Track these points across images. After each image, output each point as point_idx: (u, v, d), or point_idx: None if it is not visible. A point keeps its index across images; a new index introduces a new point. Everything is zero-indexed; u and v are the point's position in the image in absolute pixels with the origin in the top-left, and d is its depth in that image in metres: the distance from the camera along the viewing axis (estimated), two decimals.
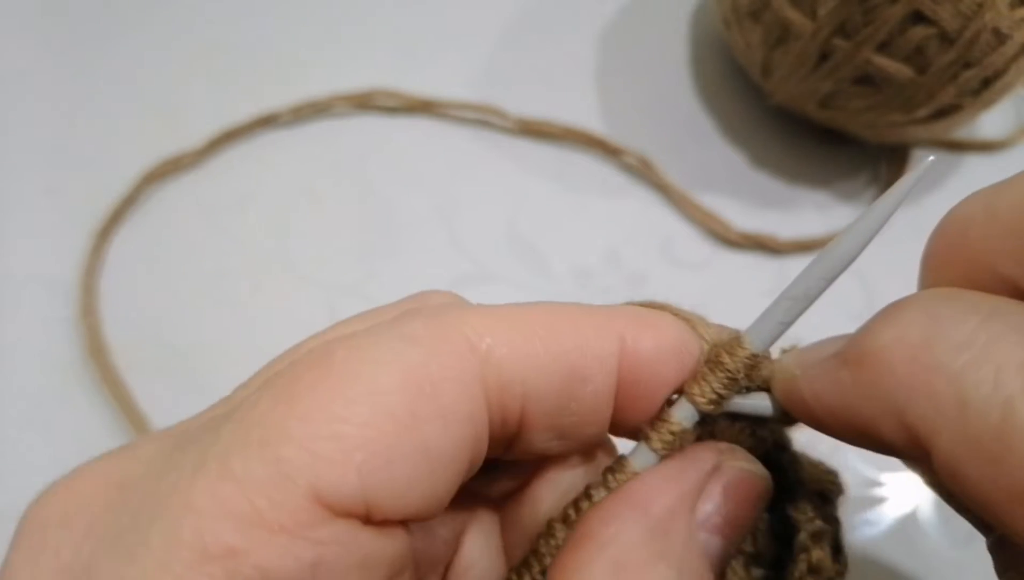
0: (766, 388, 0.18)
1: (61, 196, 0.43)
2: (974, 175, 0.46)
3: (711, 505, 0.17)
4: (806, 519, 0.18)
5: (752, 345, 0.18)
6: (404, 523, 0.15)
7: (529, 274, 0.42)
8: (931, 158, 0.17)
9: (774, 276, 0.43)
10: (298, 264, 0.42)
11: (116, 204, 0.42)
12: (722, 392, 0.17)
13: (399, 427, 0.14)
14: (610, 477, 0.17)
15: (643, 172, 0.45)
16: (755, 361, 0.17)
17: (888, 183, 0.45)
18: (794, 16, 0.38)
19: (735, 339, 0.18)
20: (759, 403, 0.18)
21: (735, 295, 0.43)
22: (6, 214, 0.42)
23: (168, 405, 0.39)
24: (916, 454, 0.14)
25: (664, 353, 0.17)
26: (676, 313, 0.18)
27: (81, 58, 0.46)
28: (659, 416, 0.17)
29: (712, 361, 0.17)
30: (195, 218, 0.43)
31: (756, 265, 0.43)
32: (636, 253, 0.43)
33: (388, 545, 0.15)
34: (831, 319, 0.44)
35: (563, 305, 0.17)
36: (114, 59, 0.46)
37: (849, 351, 0.15)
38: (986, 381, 0.13)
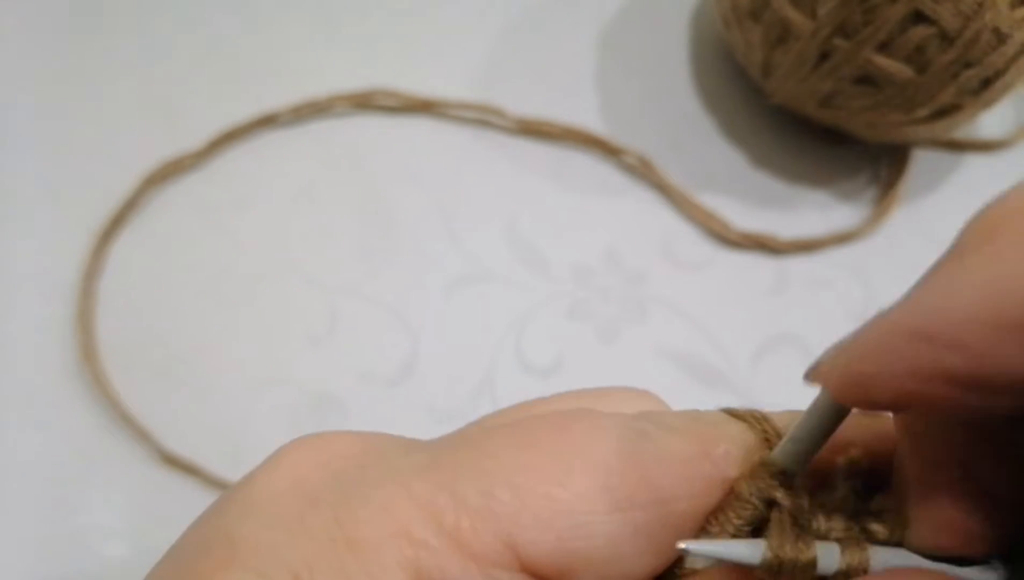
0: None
1: (60, 196, 0.43)
2: (974, 175, 0.46)
3: None
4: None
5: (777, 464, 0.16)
6: None
7: (529, 274, 0.42)
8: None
9: (774, 276, 0.43)
10: (298, 264, 0.42)
11: (117, 206, 0.42)
12: (739, 524, 0.16)
13: (612, 506, 0.15)
14: None
15: (643, 172, 0.45)
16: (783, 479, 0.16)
17: (888, 183, 0.45)
18: (794, 16, 0.38)
19: (758, 462, 0.16)
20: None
21: (735, 295, 0.43)
22: (6, 214, 0.42)
23: (169, 406, 0.39)
24: None
25: None
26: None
27: (81, 59, 0.46)
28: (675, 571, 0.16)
29: (733, 491, 0.16)
30: (195, 219, 0.43)
31: (756, 265, 0.43)
32: (636, 253, 0.43)
33: None
34: (831, 319, 0.44)
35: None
36: (114, 60, 0.46)
37: None
38: None
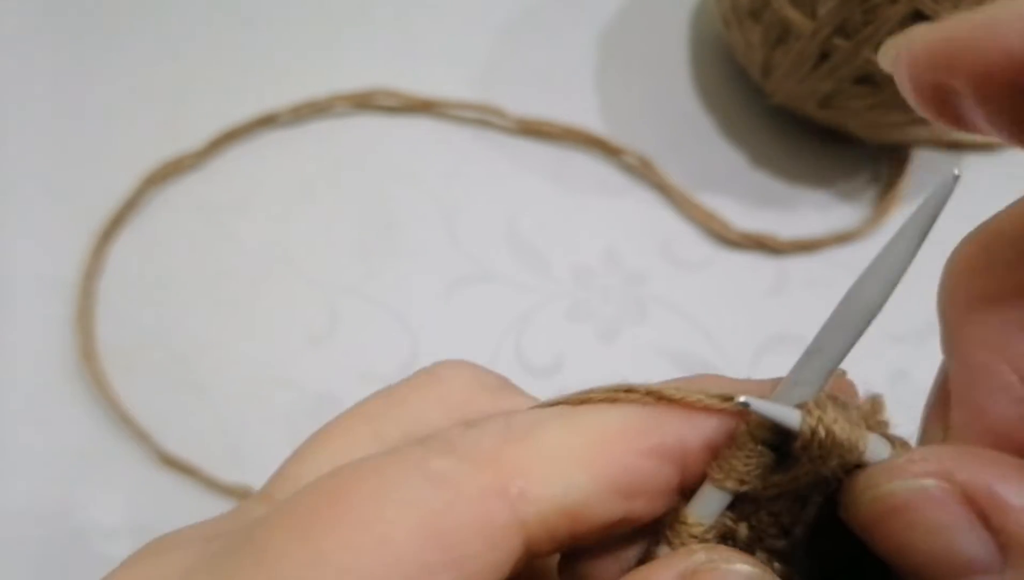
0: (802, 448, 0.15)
1: (61, 196, 0.43)
2: (974, 175, 0.46)
3: None
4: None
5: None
6: None
7: (529, 274, 0.42)
8: (955, 173, 0.14)
9: (774, 276, 0.43)
10: (298, 264, 0.42)
11: (117, 206, 0.42)
12: (749, 467, 0.15)
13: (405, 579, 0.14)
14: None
15: (643, 172, 0.45)
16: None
17: (888, 183, 0.45)
18: (794, 16, 0.38)
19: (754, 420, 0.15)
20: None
21: (735, 295, 0.43)
22: (7, 214, 0.42)
23: (169, 406, 0.39)
24: None
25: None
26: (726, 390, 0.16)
27: (81, 59, 0.46)
28: (676, 517, 0.16)
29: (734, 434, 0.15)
30: (196, 219, 0.43)
31: (756, 265, 0.43)
32: (636, 253, 0.43)
33: None
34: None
35: (623, 407, 0.15)
36: (114, 60, 0.46)
37: None
38: None
